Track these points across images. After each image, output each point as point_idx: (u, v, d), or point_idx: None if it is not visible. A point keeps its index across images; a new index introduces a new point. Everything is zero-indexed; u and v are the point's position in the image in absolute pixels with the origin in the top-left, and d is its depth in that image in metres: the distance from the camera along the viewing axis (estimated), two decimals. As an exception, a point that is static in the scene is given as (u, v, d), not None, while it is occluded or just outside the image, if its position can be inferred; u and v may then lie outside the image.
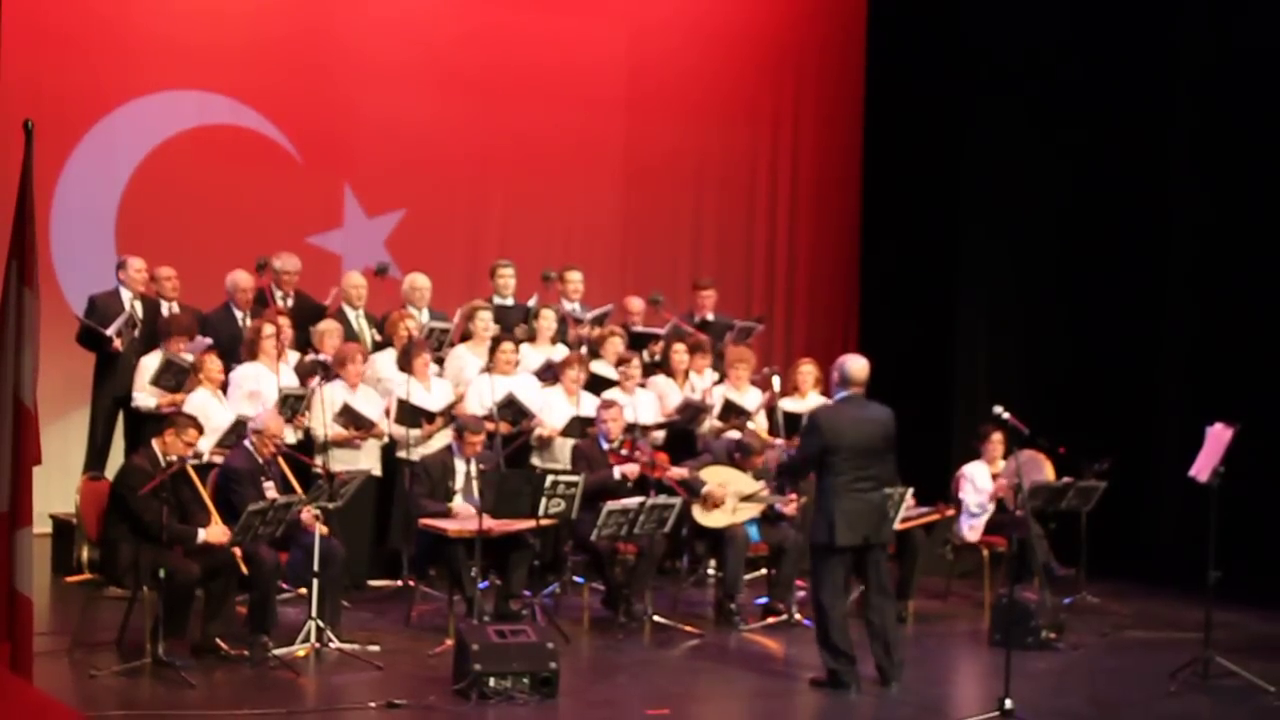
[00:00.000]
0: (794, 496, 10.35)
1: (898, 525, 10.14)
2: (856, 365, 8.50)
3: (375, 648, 8.87)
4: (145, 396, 10.48)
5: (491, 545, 9.26)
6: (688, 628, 9.82)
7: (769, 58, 15.09)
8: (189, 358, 10.41)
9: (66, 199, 12.57)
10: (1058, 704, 8.28)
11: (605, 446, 10.18)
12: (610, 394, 10.79)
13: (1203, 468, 8.81)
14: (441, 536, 9.39)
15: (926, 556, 10.66)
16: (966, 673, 9.60)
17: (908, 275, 14.64)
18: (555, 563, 10.65)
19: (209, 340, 10.72)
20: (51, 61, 12.40)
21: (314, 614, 8.69)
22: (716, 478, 10.15)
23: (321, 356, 10.70)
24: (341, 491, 9.17)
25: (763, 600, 10.31)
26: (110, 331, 10.71)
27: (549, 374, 11.19)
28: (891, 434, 8.51)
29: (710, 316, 12.51)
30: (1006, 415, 8.31)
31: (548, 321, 11.54)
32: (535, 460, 10.93)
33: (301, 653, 8.61)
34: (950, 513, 10.76)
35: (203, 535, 8.52)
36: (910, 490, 10.17)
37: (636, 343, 11.90)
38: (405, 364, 10.73)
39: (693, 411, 11.17)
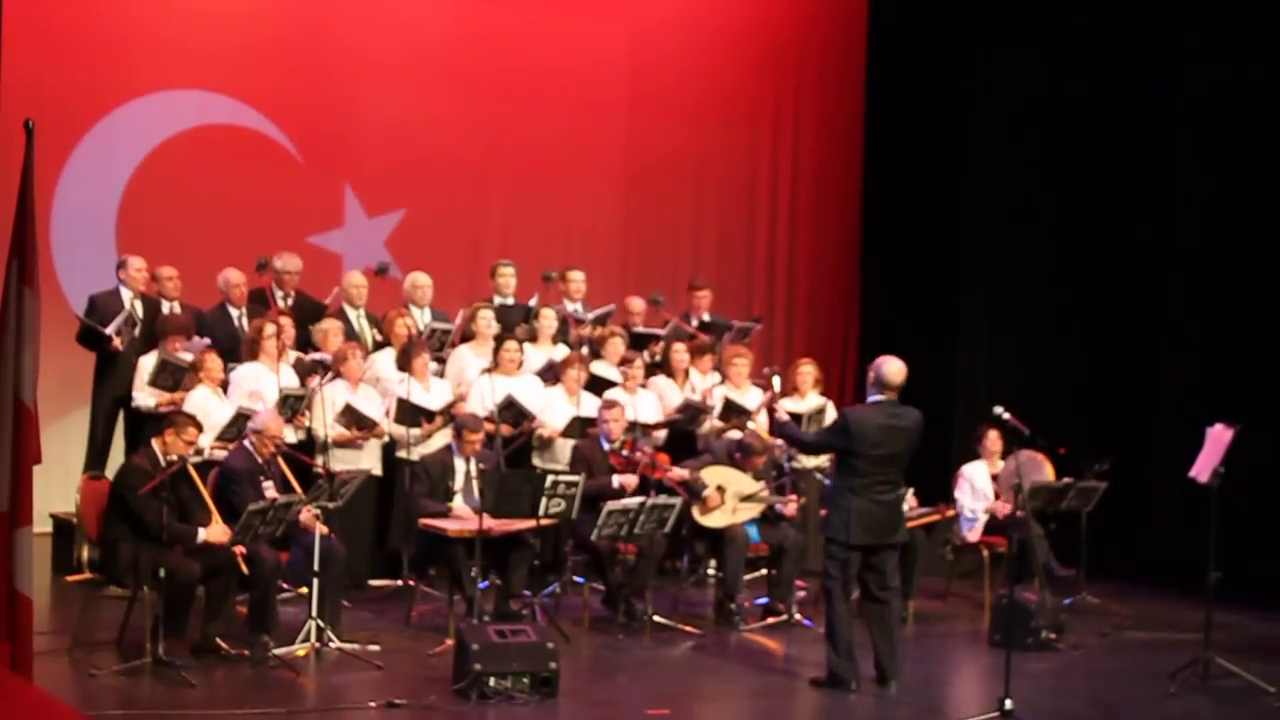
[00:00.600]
0: (793, 497, 10.36)
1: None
2: (893, 369, 8.44)
3: (375, 647, 8.87)
4: (144, 396, 10.48)
5: (492, 545, 9.27)
6: (688, 628, 9.82)
7: (770, 58, 15.09)
8: (187, 357, 10.41)
9: (67, 198, 12.57)
10: (1058, 705, 8.28)
11: (606, 447, 10.18)
12: (612, 394, 10.79)
13: (1203, 468, 8.81)
14: (442, 536, 9.40)
15: (926, 557, 10.66)
16: (966, 673, 9.60)
17: (908, 275, 14.63)
18: (555, 563, 10.65)
19: (207, 340, 10.73)
20: (52, 61, 12.40)
21: (314, 613, 8.70)
22: (717, 478, 10.15)
23: (322, 355, 10.69)
24: (342, 491, 9.17)
25: (763, 600, 10.31)
26: (110, 331, 10.72)
27: (550, 374, 11.19)
28: (917, 439, 8.54)
29: (707, 317, 12.50)
30: (1006, 415, 8.32)
31: (548, 321, 11.54)
32: (536, 460, 10.93)
33: (302, 652, 8.62)
34: (950, 513, 10.77)
35: (203, 535, 8.52)
36: (910, 490, 10.18)
37: (637, 343, 11.90)
38: (404, 363, 10.73)
39: (693, 412, 11.17)
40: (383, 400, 10.68)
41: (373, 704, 7.77)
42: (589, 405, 10.80)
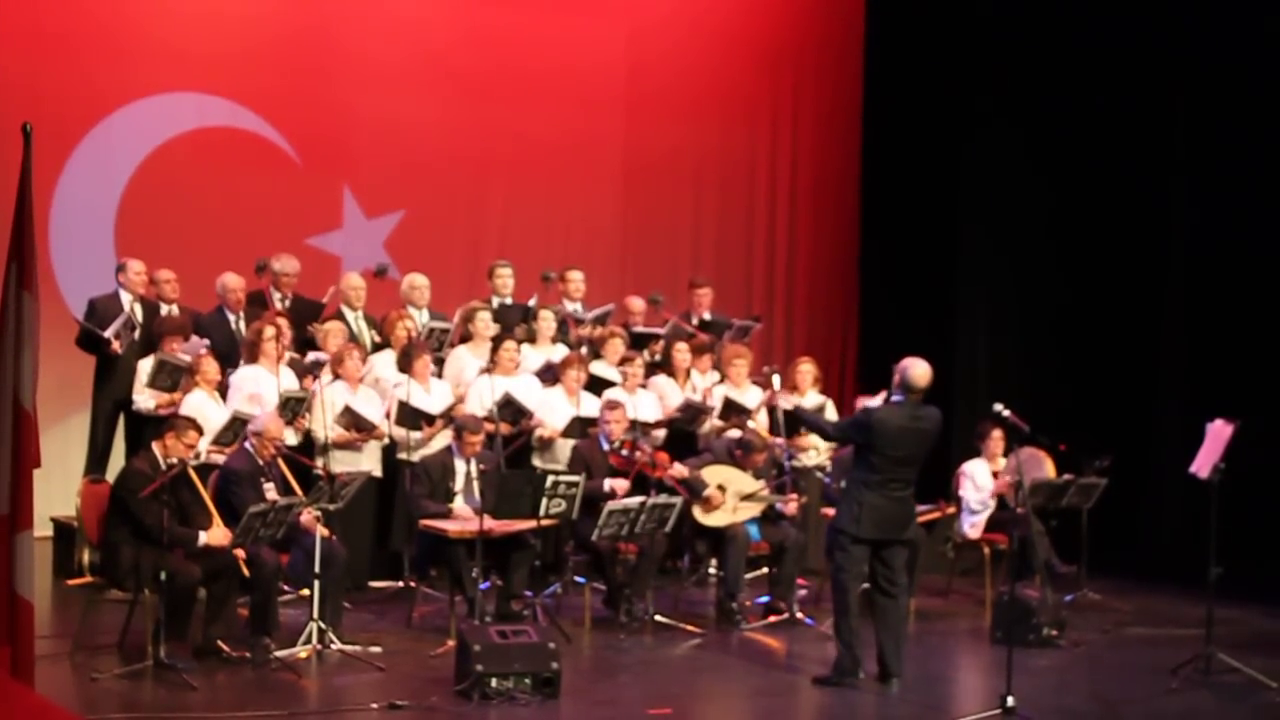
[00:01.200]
0: (794, 496, 10.35)
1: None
2: (918, 372, 8.44)
3: (377, 649, 8.87)
4: (144, 398, 10.48)
5: (492, 546, 9.27)
6: (689, 627, 9.82)
7: (768, 57, 15.09)
8: (185, 358, 10.41)
9: (66, 202, 12.56)
10: (1059, 701, 8.28)
11: (606, 447, 10.18)
12: (612, 394, 10.79)
13: (1203, 464, 8.81)
14: (442, 537, 9.40)
15: (928, 554, 10.65)
16: (968, 670, 9.60)
17: (907, 274, 14.63)
18: (556, 563, 10.65)
19: (205, 341, 10.73)
20: (50, 64, 12.40)
21: (315, 615, 8.70)
22: (717, 477, 10.15)
23: (320, 356, 10.69)
24: (342, 493, 9.18)
25: (764, 599, 10.31)
26: (108, 334, 10.71)
27: (549, 375, 11.19)
28: (935, 439, 8.57)
29: (707, 316, 12.50)
30: (1007, 413, 8.34)
31: (547, 322, 11.54)
32: (536, 461, 10.93)
33: (303, 654, 8.62)
34: (951, 510, 10.77)
35: (204, 538, 8.52)
36: (912, 492, 10.17)
37: (637, 343, 11.90)
38: (405, 365, 10.73)
39: (694, 412, 11.17)
40: (383, 402, 10.68)
41: (374, 705, 7.77)
42: (589, 405, 10.80)
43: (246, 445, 9.21)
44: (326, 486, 9.06)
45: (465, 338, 11.40)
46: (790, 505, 10.30)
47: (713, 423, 11.19)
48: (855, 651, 8.47)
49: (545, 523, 9.58)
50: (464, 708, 7.79)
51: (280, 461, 9.18)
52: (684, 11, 14.78)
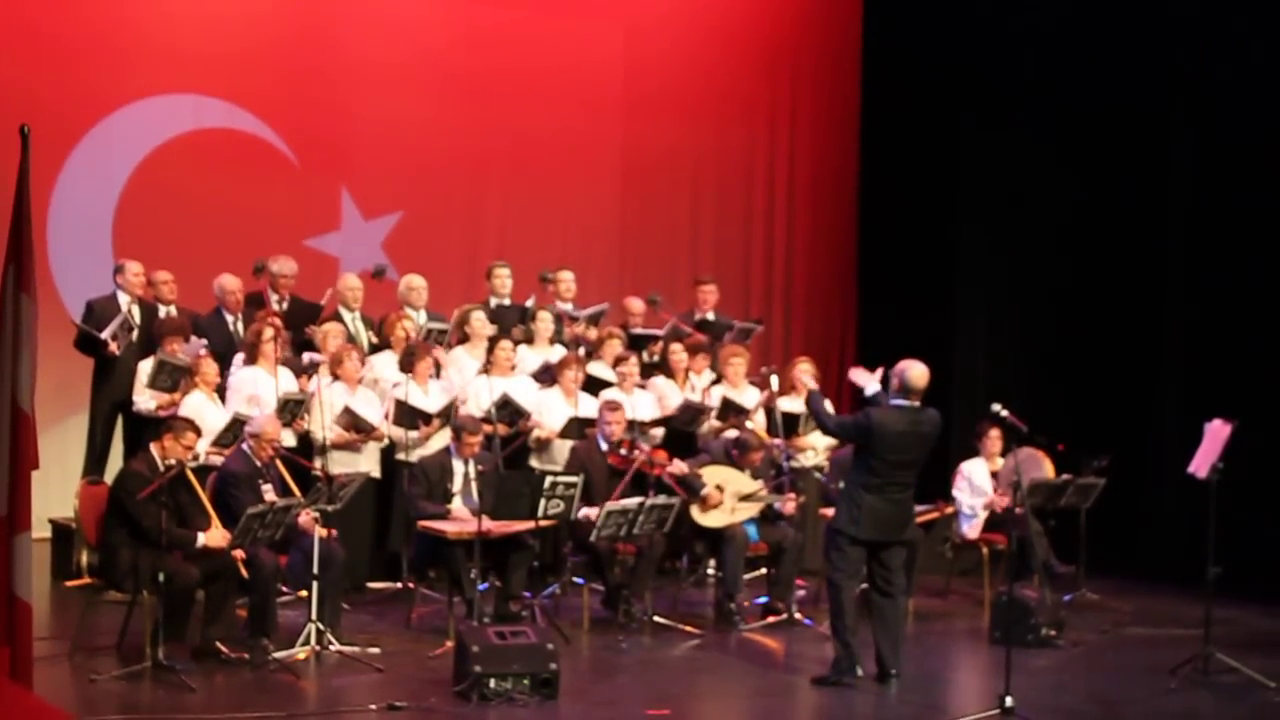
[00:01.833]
0: (792, 496, 10.35)
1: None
2: (916, 374, 8.46)
3: (375, 650, 8.87)
4: (145, 399, 10.48)
5: (491, 547, 9.26)
6: (687, 628, 9.82)
7: (766, 57, 15.10)
8: (185, 358, 10.41)
9: (63, 203, 12.56)
10: (1058, 701, 8.28)
11: (604, 447, 10.18)
12: (610, 394, 10.79)
13: (1201, 464, 8.81)
14: (441, 538, 9.40)
15: (926, 554, 10.65)
16: (967, 670, 9.60)
17: (906, 274, 14.63)
18: (555, 564, 10.66)
19: (204, 341, 10.73)
20: (47, 66, 12.39)
21: (314, 616, 8.69)
22: (715, 478, 10.15)
23: (316, 357, 10.68)
24: (340, 494, 9.18)
25: (762, 600, 10.31)
26: (105, 335, 10.71)
27: (546, 375, 11.19)
28: (933, 442, 8.59)
29: (711, 315, 12.50)
30: (1005, 413, 8.34)
31: (545, 323, 11.54)
32: (534, 462, 10.92)
33: (302, 655, 8.61)
34: (950, 510, 10.78)
35: (202, 539, 8.52)
36: (911, 494, 10.17)
37: (636, 344, 11.90)
38: (409, 364, 10.72)
39: (693, 413, 11.16)
40: (381, 403, 10.68)
41: (373, 706, 7.76)
42: (587, 406, 10.81)
43: (244, 447, 9.20)
44: (325, 487, 9.06)
45: (463, 340, 11.39)
46: (788, 505, 10.30)
47: (711, 423, 11.19)
48: (853, 650, 8.49)
49: (544, 523, 9.58)
50: (463, 709, 7.79)
51: (279, 463, 9.18)
52: (682, 12, 14.78)
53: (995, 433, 10.83)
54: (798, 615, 10.03)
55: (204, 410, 9.95)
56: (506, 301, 11.97)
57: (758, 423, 11.13)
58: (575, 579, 10.47)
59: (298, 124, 13.40)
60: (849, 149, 15.28)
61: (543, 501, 9.36)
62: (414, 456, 10.43)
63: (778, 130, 15.23)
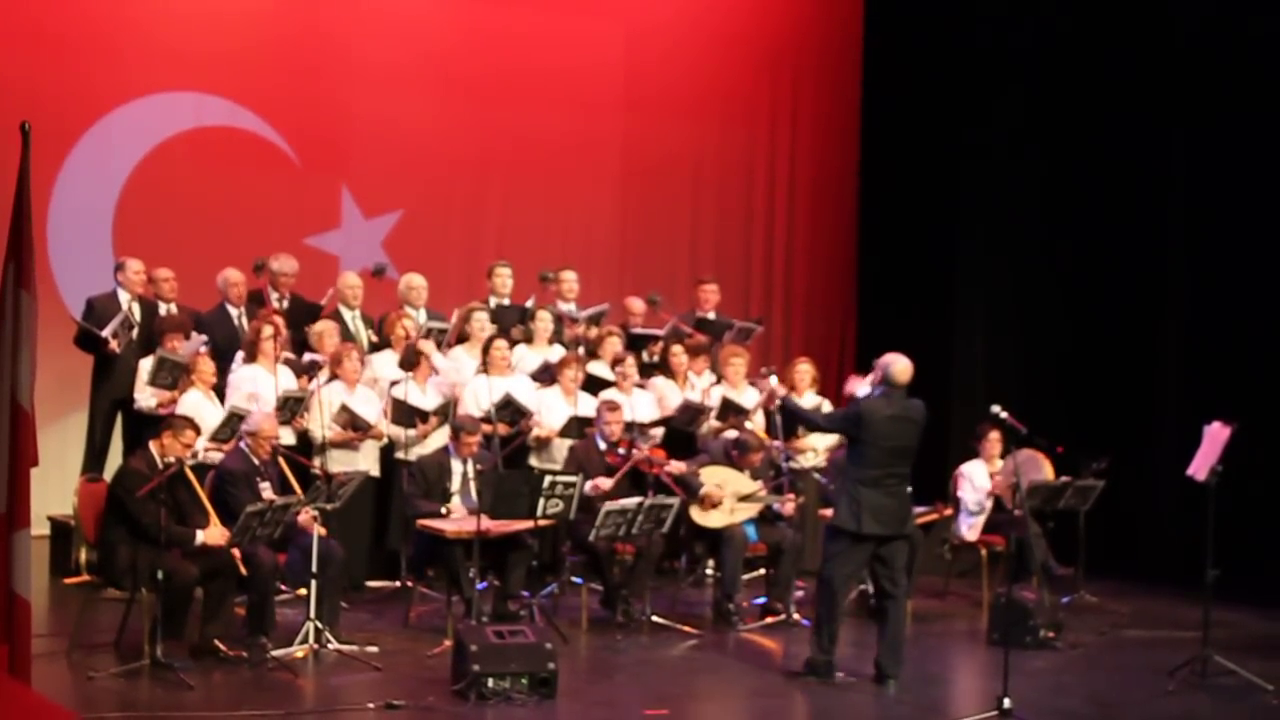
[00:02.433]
0: (791, 496, 10.35)
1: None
2: (900, 367, 8.52)
3: (374, 649, 8.87)
4: (145, 397, 10.48)
5: (490, 546, 9.26)
6: (686, 628, 9.82)
7: (766, 58, 15.10)
8: (184, 355, 10.41)
9: (64, 201, 12.56)
10: (1056, 703, 8.28)
11: (603, 446, 10.18)
12: (609, 394, 10.79)
13: (1200, 466, 8.81)
14: (440, 537, 9.40)
15: (925, 555, 10.65)
16: (965, 672, 9.60)
17: (905, 275, 14.63)
18: (553, 563, 10.66)
19: (204, 338, 10.73)
20: (48, 63, 12.39)
21: (312, 615, 8.69)
22: (715, 478, 10.15)
23: (317, 356, 10.69)
24: (339, 492, 9.18)
25: (761, 600, 10.31)
26: (105, 333, 10.71)
27: (546, 375, 11.19)
28: (922, 432, 8.67)
29: (711, 315, 12.50)
30: (1004, 414, 8.34)
31: (544, 323, 11.53)
32: (533, 461, 10.92)
33: (300, 654, 8.61)
34: (948, 512, 10.78)
35: (201, 537, 8.53)
36: (909, 489, 10.17)
37: (636, 344, 11.90)
38: (412, 363, 10.72)
39: (692, 413, 11.16)
40: (381, 402, 10.68)
41: (371, 705, 7.76)
42: (586, 405, 10.81)
43: (242, 445, 9.21)
44: (324, 486, 9.06)
45: (462, 338, 11.40)
46: (788, 506, 10.30)
47: (710, 423, 11.19)
48: (831, 657, 8.54)
49: (542, 523, 9.58)
50: (461, 708, 7.79)
51: (280, 460, 9.18)
52: (683, 13, 14.78)
53: (995, 434, 10.83)
54: (796, 616, 10.03)
55: (201, 408, 9.93)
56: (506, 301, 11.96)
57: (757, 423, 11.13)
58: (574, 579, 10.47)
59: (298, 122, 13.40)
60: (849, 149, 15.28)
61: (541, 501, 9.37)
62: (413, 455, 10.43)
63: (778, 131, 15.23)
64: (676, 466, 10.15)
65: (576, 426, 10.77)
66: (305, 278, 11.74)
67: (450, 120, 13.83)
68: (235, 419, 9.67)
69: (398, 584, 10.68)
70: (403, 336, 11.06)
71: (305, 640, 8.67)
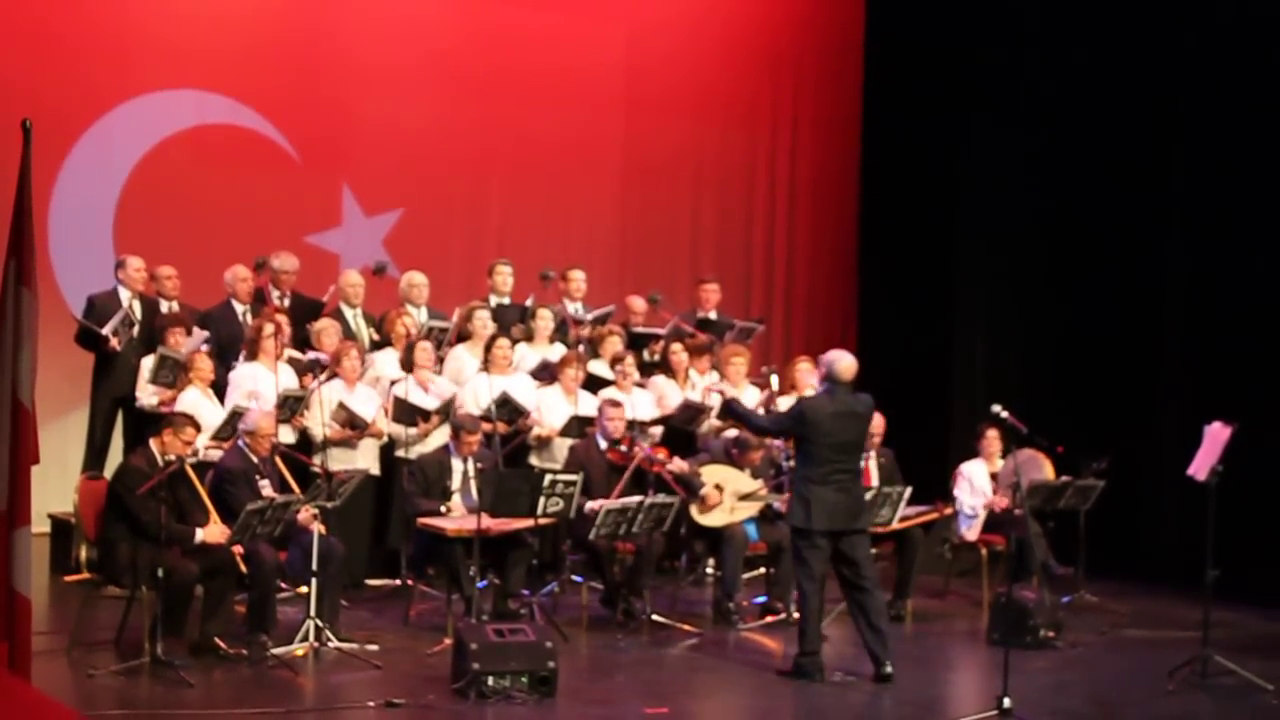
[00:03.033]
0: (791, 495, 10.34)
1: (896, 524, 10.17)
2: (844, 365, 8.66)
3: (374, 647, 8.87)
4: (147, 395, 10.48)
5: (490, 544, 9.26)
6: (686, 627, 9.82)
7: (767, 59, 15.09)
8: (183, 352, 10.40)
9: (65, 198, 12.55)
10: (1056, 703, 8.28)
11: (604, 445, 10.18)
12: (609, 393, 10.79)
13: (1201, 466, 8.81)
14: (440, 535, 9.39)
15: (925, 555, 10.67)
16: (965, 671, 9.61)
17: (906, 275, 14.64)
18: (554, 562, 10.66)
19: (206, 334, 10.73)
20: (49, 60, 12.38)
21: (312, 613, 8.69)
22: (715, 477, 10.15)
23: (319, 355, 10.69)
24: (340, 491, 9.18)
25: (761, 599, 10.31)
26: (106, 331, 10.71)
27: (546, 374, 11.19)
28: (870, 424, 8.82)
29: (713, 315, 12.50)
30: (1005, 414, 8.34)
31: (545, 321, 11.53)
32: (533, 460, 10.92)
33: (300, 652, 8.62)
34: (949, 511, 10.77)
35: (201, 534, 8.53)
36: (909, 489, 10.19)
37: (637, 342, 11.90)
38: (410, 362, 10.72)
39: (693, 412, 11.16)
40: (381, 400, 10.67)
41: (371, 703, 7.77)
42: (587, 404, 10.81)
43: (240, 444, 9.20)
44: (324, 484, 9.06)
45: (463, 336, 11.40)
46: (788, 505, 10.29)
47: (711, 422, 11.19)
48: (818, 658, 8.58)
49: (543, 522, 9.58)
50: (460, 706, 7.79)
51: (278, 459, 9.18)
52: (684, 13, 14.78)
53: (995, 434, 10.83)
54: (796, 615, 10.01)
55: (199, 406, 9.92)
56: (507, 300, 11.96)
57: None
58: (574, 577, 10.47)
59: (299, 120, 13.40)
60: (850, 150, 15.28)
61: (542, 500, 9.36)
62: (413, 454, 10.43)
63: (779, 131, 15.22)
64: (679, 465, 10.15)
65: (577, 425, 10.77)
66: (306, 276, 11.74)
67: (451, 119, 13.83)
68: (237, 417, 9.66)
69: (398, 582, 10.68)
70: (404, 335, 11.06)
71: (305, 638, 8.67)
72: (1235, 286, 12.73)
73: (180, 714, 7.59)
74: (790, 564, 10.14)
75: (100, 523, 8.74)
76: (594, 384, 11.11)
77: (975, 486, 10.91)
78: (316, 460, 9.86)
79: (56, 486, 10.08)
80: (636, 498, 9.61)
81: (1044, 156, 13.87)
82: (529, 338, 11.53)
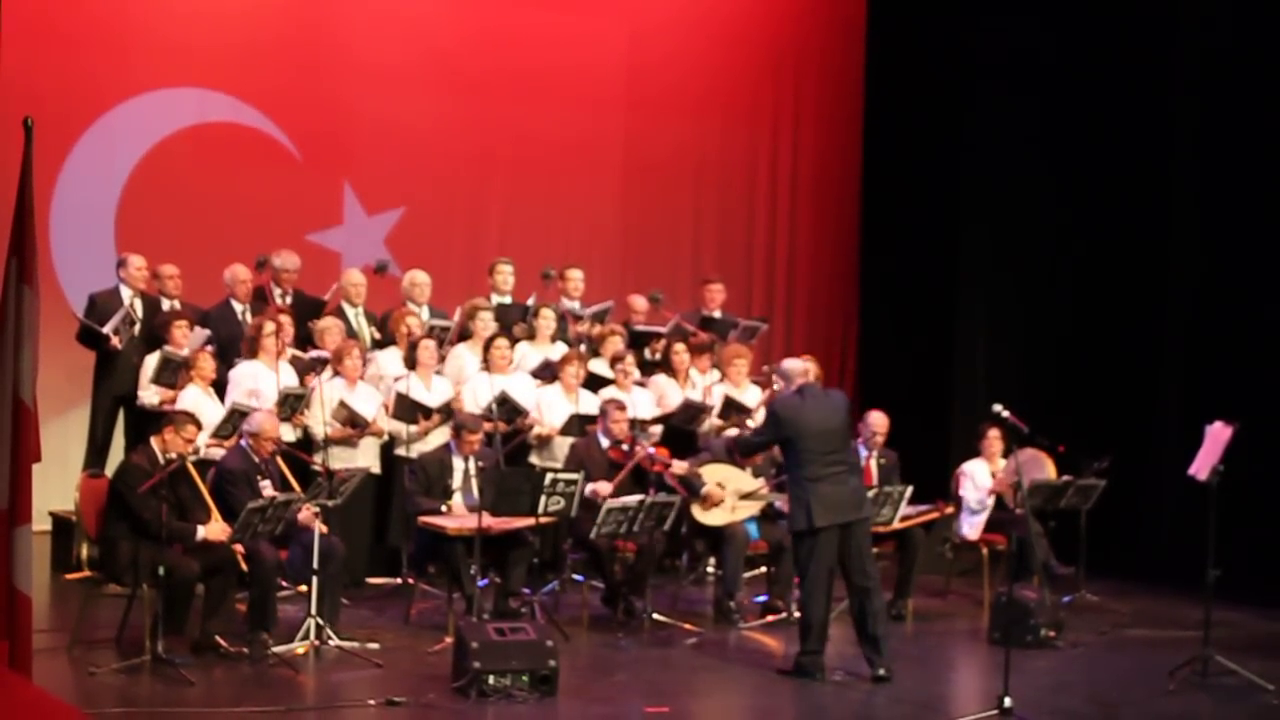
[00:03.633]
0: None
1: (897, 523, 10.18)
2: (792, 364, 9.03)
3: (374, 645, 8.88)
4: (149, 394, 10.48)
5: (491, 543, 9.27)
6: (687, 626, 9.82)
7: (769, 57, 15.09)
8: (185, 352, 10.41)
9: (66, 196, 12.55)
10: (1057, 702, 8.28)
11: (605, 444, 10.18)
12: (610, 392, 10.79)
13: (1202, 466, 8.81)
14: (441, 534, 9.40)
15: (926, 554, 10.67)
16: (965, 671, 9.60)
17: (908, 274, 14.64)
18: (555, 561, 10.66)
19: (208, 332, 10.73)
20: (51, 59, 12.38)
21: (313, 611, 8.70)
22: (716, 476, 10.15)
23: (321, 353, 10.69)
24: (341, 489, 9.18)
25: (762, 598, 10.31)
26: (107, 329, 10.71)
27: (547, 372, 11.19)
28: (849, 417, 8.88)
29: (717, 314, 12.49)
30: (1006, 413, 8.34)
31: (546, 320, 11.53)
32: (534, 459, 10.92)
33: (301, 650, 8.62)
34: (950, 510, 10.77)
35: (202, 532, 8.53)
36: (909, 489, 10.19)
37: (638, 341, 11.90)
38: (414, 361, 10.73)
39: (693, 411, 11.16)
40: (382, 398, 10.67)
41: (372, 702, 7.77)
42: (587, 403, 10.81)
43: (243, 444, 9.20)
44: (325, 483, 9.06)
45: (465, 336, 11.40)
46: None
47: (712, 422, 11.19)
48: (820, 657, 8.58)
49: (544, 520, 9.58)
50: (461, 705, 7.79)
51: (279, 458, 9.18)
52: (685, 12, 14.77)
53: (996, 433, 10.83)
54: (797, 614, 10.01)
55: (200, 405, 9.93)
56: (508, 299, 11.97)
57: (759, 422, 11.12)
58: (575, 576, 10.47)
59: (301, 119, 13.39)
60: (852, 149, 15.28)
61: (543, 498, 9.37)
62: (414, 452, 10.44)
63: (780, 130, 15.22)
64: (680, 466, 10.15)
65: (578, 424, 10.77)
66: (307, 274, 11.74)
67: (453, 117, 13.83)
68: (237, 415, 9.66)
69: (399, 581, 10.68)
70: (406, 333, 11.06)
71: (306, 636, 8.68)
72: (1236, 287, 12.73)
73: (181, 712, 7.59)
74: (791, 564, 10.19)
75: (101, 521, 8.74)
76: (594, 383, 11.10)
77: (977, 485, 10.91)
78: (317, 459, 9.87)
79: (57, 484, 10.09)
80: (637, 497, 9.61)
81: (1046, 156, 13.87)
82: (531, 337, 11.53)
